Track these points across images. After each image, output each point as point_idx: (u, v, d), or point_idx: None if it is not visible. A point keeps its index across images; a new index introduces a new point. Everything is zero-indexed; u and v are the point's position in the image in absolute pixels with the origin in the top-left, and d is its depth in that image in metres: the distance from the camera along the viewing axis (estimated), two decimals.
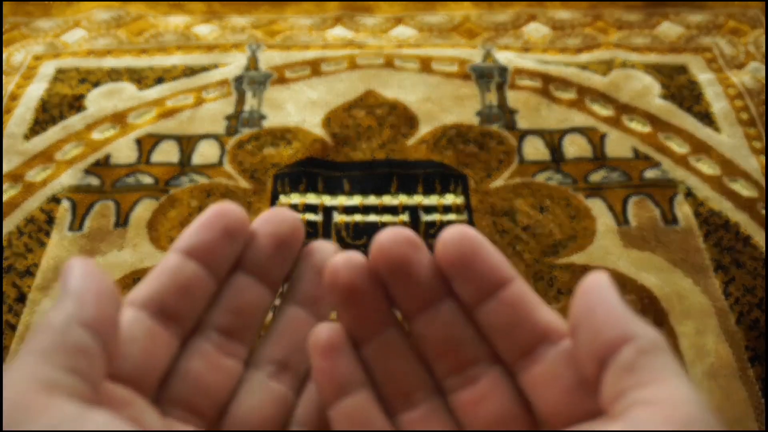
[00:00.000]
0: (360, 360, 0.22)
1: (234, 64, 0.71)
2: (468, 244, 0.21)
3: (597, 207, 0.56)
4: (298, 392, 0.23)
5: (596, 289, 0.20)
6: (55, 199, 0.57)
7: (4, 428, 0.15)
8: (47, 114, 0.65)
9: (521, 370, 0.21)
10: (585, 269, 0.51)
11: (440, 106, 0.66)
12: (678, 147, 0.61)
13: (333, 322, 0.22)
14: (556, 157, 0.60)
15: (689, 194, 0.57)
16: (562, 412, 0.20)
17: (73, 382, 0.17)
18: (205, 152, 0.61)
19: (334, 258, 0.22)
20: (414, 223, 0.55)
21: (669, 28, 0.76)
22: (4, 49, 0.74)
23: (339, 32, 0.77)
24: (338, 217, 0.56)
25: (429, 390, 0.22)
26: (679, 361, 0.18)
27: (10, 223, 0.55)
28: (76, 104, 0.66)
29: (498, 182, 0.58)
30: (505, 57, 0.71)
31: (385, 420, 0.22)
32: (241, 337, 0.23)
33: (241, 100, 0.67)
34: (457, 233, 0.21)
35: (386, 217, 0.56)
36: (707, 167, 0.59)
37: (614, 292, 0.19)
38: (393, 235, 0.21)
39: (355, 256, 0.22)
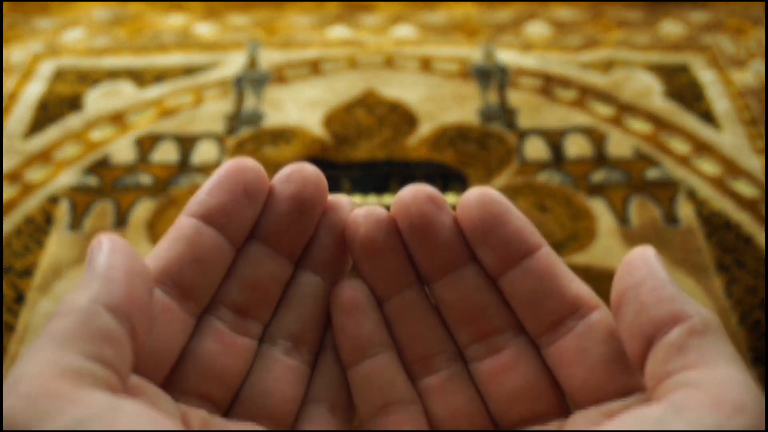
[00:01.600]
0: (383, 320, 0.21)
1: (233, 63, 0.71)
2: (491, 208, 0.20)
3: (598, 207, 0.56)
4: (314, 366, 0.21)
5: (643, 264, 0.18)
6: (54, 199, 0.57)
7: (30, 422, 0.13)
8: (46, 113, 0.65)
9: (548, 343, 0.20)
10: (586, 269, 0.51)
11: (441, 105, 0.65)
12: (679, 147, 0.61)
13: (356, 280, 0.21)
14: (557, 157, 0.60)
15: (691, 194, 0.57)
16: (590, 388, 0.19)
17: (99, 371, 0.15)
18: (205, 152, 0.61)
19: (354, 212, 0.21)
20: None
21: (670, 27, 0.76)
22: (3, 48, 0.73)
23: (339, 31, 0.76)
24: None
25: (450, 356, 0.21)
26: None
27: (9, 223, 0.55)
28: (75, 104, 0.66)
29: (499, 182, 0.58)
30: (505, 56, 0.71)
31: (406, 384, 0.21)
32: (255, 313, 0.21)
33: (240, 100, 0.66)
34: (479, 196, 0.20)
35: None
36: (709, 167, 0.59)
37: (662, 268, 0.18)
38: (415, 192, 0.20)
39: (376, 210, 0.21)
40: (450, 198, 0.57)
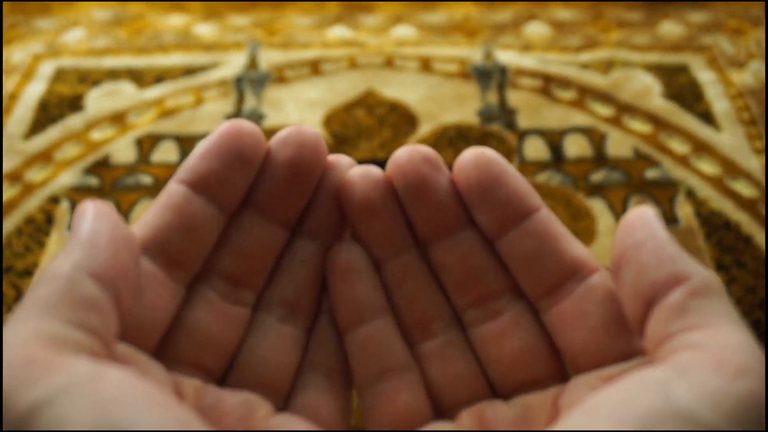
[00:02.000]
0: (380, 284, 0.20)
1: (234, 63, 0.71)
2: (488, 169, 0.19)
3: (598, 207, 0.56)
4: (310, 332, 0.21)
5: (643, 224, 0.18)
6: (54, 199, 0.57)
7: (12, 390, 0.13)
8: (46, 114, 0.65)
9: (547, 307, 0.19)
10: None
11: (440, 105, 0.65)
12: (679, 147, 0.61)
13: (352, 243, 0.20)
14: (557, 157, 0.60)
15: (690, 194, 0.57)
16: (590, 352, 0.18)
17: (83, 338, 0.15)
18: None
19: (350, 172, 0.20)
20: None
21: (670, 28, 0.76)
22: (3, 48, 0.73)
23: (339, 31, 0.76)
24: None
25: (448, 320, 0.21)
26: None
27: (9, 223, 0.55)
28: (75, 104, 0.66)
29: None
30: (505, 56, 0.71)
31: (404, 350, 0.20)
32: (248, 282, 0.20)
33: (240, 100, 0.66)
34: (475, 156, 0.19)
35: None
36: (708, 167, 0.59)
37: (662, 228, 0.18)
38: (411, 152, 0.20)
39: (372, 170, 0.20)
40: None
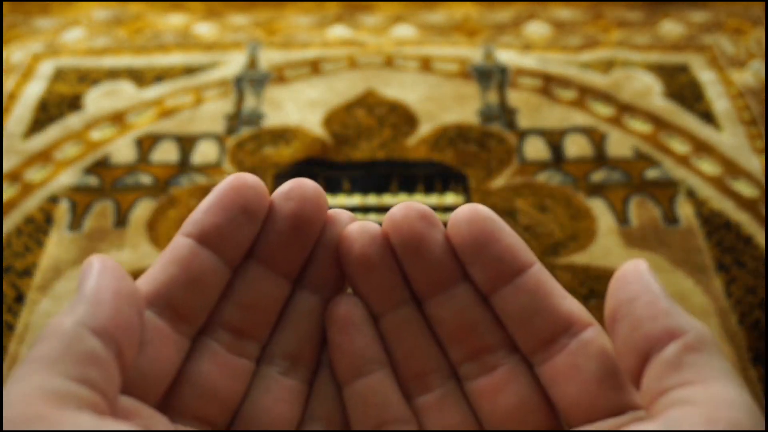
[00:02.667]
0: (378, 337, 0.21)
1: (233, 63, 0.71)
2: (482, 226, 0.20)
3: (598, 207, 0.56)
4: (311, 384, 0.21)
5: (636, 278, 0.18)
6: (54, 199, 0.57)
7: None
8: (46, 113, 0.65)
9: (541, 361, 0.20)
10: (586, 269, 0.51)
11: (441, 105, 0.65)
12: (679, 146, 0.61)
13: (351, 296, 0.21)
14: (557, 157, 0.60)
15: (690, 194, 0.57)
16: (583, 407, 0.19)
17: (84, 393, 0.15)
18: (205, 152, 0.61)
19: (347, 227, 0.20)
20: None
21: (670, 27, 0.76)
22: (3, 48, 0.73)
23: (339, 31, 0.76)
24: None
25: (445, 374, 0.21)
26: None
27: (9, 223, 0.55)
28: (75, 103, 0.66)
29: (499, 182, 0.58)
30: (505, 56, 0.71)
31: (401, 403, 0.21)
32: (252, 334, 0.20)
33: (240, 100, 0.66)
34: (469, 213, 0.20)
35: None
36: (708, 167, 0.59)
37: (656, 281, 0.18)
38: (406, 209, 0.20)
39: (370, 226, 0.20)
40: (450, 198, 0.57)
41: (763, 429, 0.15)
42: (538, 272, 0.20)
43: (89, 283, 0.17)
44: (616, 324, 0.18)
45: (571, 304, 0.20)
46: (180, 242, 0.19)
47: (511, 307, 0.20)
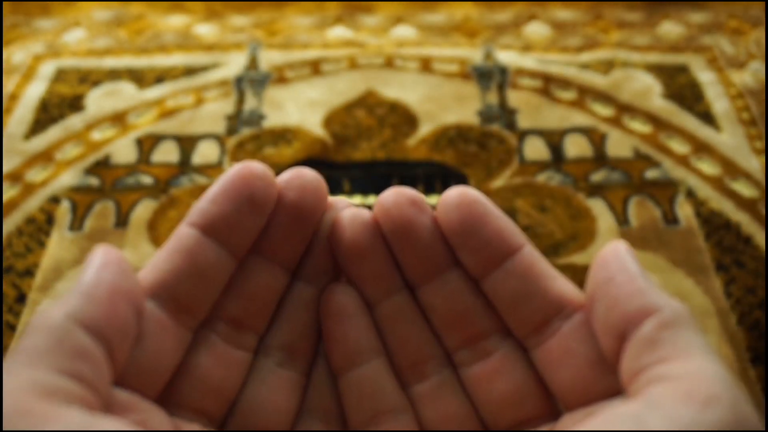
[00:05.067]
0: (373, 326, 0.21)
1: (234, 63, 0.71)
2: (470, 209, 0.19)
3: (598, 207, 0.56)
4: (309, 375, 0.21)
5: (615, 259, 0.18)
6: (54, 199, 0.57)
7: None
8: (47, 114, 0.65)
9: (535, 345, 0.20)
10: (586, 269, 0.51)
11: (441, 105, 0.65)
12: (679, 147, 0.61)
13: (345, 285, 0.21)
14: (557, 157, 0.60)
15: (690, 194, 0.57)
16: (578, 390, 0.18)
17: (73, 387, 0.15)
18: (205, 152, 0.61)
19: (338, 215, 0.20)
20: None
21: (670, 28, 0.76)
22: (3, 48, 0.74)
23: (339, 32, 0.76)
24: None
25: (440, 361, 0.21)
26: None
27: (9, 223, 0.55)
28: (75, 104, 0.66)
29: (498, 182, 0.58)
30: (505, 57, 0.71)
31: (397, 392, 0.20)
32: (250, 326, 0.20)
33: (241, 100, 0.66)
34: (457, 197, 0.19)
35: None
36: (708, 167, 0.59)
37: (634, 262, 0.18)
38: (396, 195, 0.20)
39: (360, 213, 0.20)
40: None
41: (741, 401, 0.15)
42: (529, 254, 0.20)
43: (86, 277, 0.16)
44: (594, 304, 0.18)
45: (563, 285, 0.20)
46: (185, 232, 0.19)
47: (503, 292, 0.20)
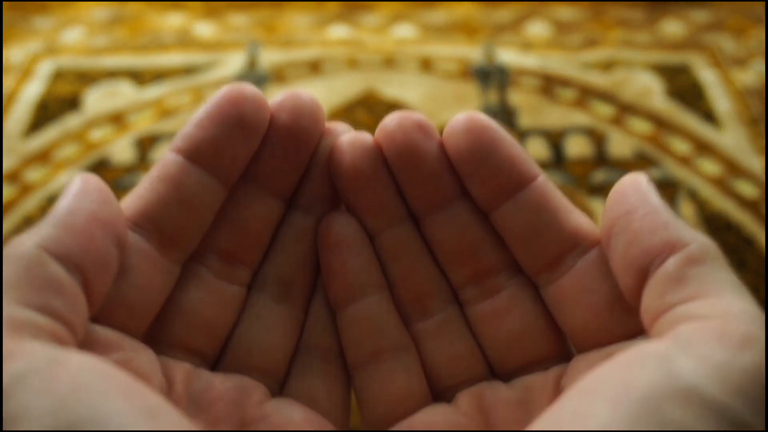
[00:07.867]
0: (374, 258, 0.19)
1: (233, 63, 0.71)
2: (479, 135, 0.18)
3: (598, 207, 0.56)
4: (306, 310, 0.20)
5: (635, 191, 0.16)
6: (53, 200, 0.57)
7: None
8: (45, 113, 0.65)
9: (547, 282, 0.18)
10: None
11: (441, 105, 0.65)
12: (680, 147, 0.61)
13: (344, 214, 0.19)
14: (558, 157, 0.60)
15: (692, 194, 0.56)
16: (592, 330, 0.17)
17: (43, 321, 0.13)
18: None
19: (338, 139, 0.18)
20: None
21: (671, 27, 0.76)
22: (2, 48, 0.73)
23: (339, 31, 0.76)
24: None
25: (445, 298, 0.19)
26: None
27: (8, 224, 0.54)
28: (74, 104, 0.66)
29: None
30: (506, 56, 0.71)
31: (399, 328, 0.19)
32: (244, 259, 0.19)
33: None
34: (465, 121, 0.18)
35: None
36: (709, 167, 0.59)
37: (655, 194, 0.16)
38: (401, 118, 0.18)
39: (362, 136, 0.18)
40: None
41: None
42: (543, 185, 0.18)
43: (62, 205, 0.15)
44: (612, 239, 0.16)
45: (579, 219, 0.18)
46: (169, 158, 0.17)
47: (513, 225, 0.18)
